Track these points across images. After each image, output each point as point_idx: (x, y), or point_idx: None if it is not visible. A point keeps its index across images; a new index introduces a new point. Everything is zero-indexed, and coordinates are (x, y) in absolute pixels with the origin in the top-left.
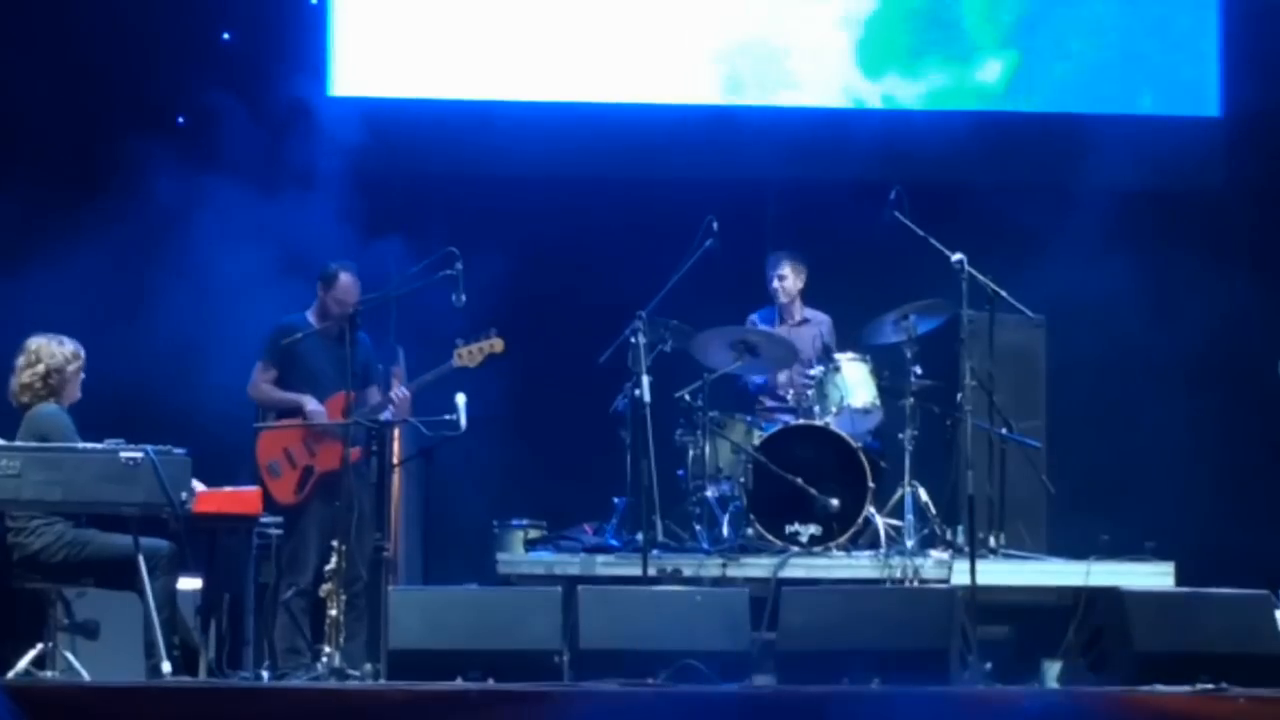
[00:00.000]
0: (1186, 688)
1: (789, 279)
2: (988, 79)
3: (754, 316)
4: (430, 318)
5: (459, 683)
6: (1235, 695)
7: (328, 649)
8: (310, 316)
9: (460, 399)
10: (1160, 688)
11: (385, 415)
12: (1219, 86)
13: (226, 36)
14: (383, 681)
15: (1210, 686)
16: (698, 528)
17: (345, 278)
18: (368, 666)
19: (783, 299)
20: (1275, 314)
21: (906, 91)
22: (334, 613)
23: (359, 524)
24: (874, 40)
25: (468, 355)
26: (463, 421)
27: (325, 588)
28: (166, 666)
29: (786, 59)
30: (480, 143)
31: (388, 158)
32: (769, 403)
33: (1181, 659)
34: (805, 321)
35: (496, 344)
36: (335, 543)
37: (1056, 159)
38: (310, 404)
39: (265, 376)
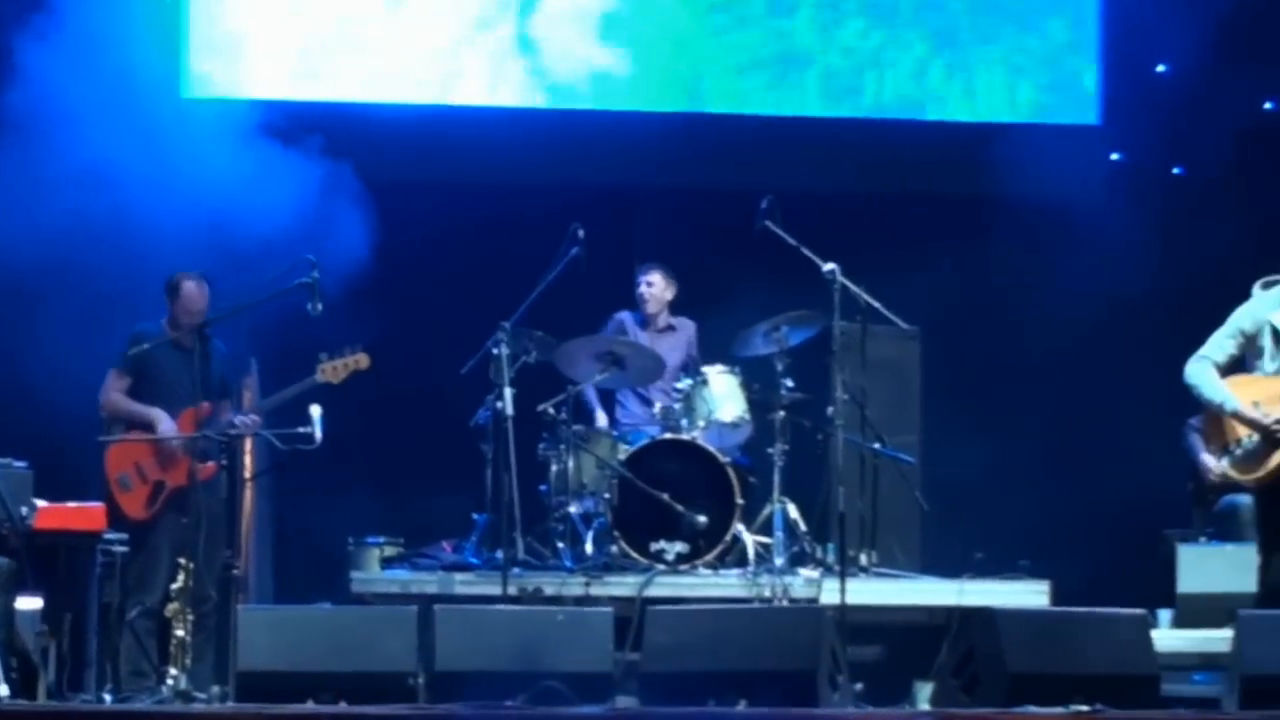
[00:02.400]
0: (1060, 709)
1: (657, 286)
2: (860, 87)
3: (622, 315)
4: (290, 327)
5: (310, 705)
6: (1110, 717)
7: (174, 671)
8: (164, 326)
9: (315, 411)
10: (1033, 709)
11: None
12: (1098, 94)
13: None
14: (230, 704)
15: (1084, 708)
16: (560, 545)
17: (189, 285)
18: (215, 689)
19: (650, 307)
20: (1150, 325)
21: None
22: (180, 633)
23: (209, 541)
24: (741, 44)
25: (331, 371)
26: (318, 434)
27: (171, 607)
28: (3, 689)
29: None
30: (338, 147)
31: (243, 161)
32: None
33: (1055, 680)
34: (670, 328)
35: (362, 360)
36: (182, 560)
37: (933, 167)
38: (163, 423)
39: (118, 385)
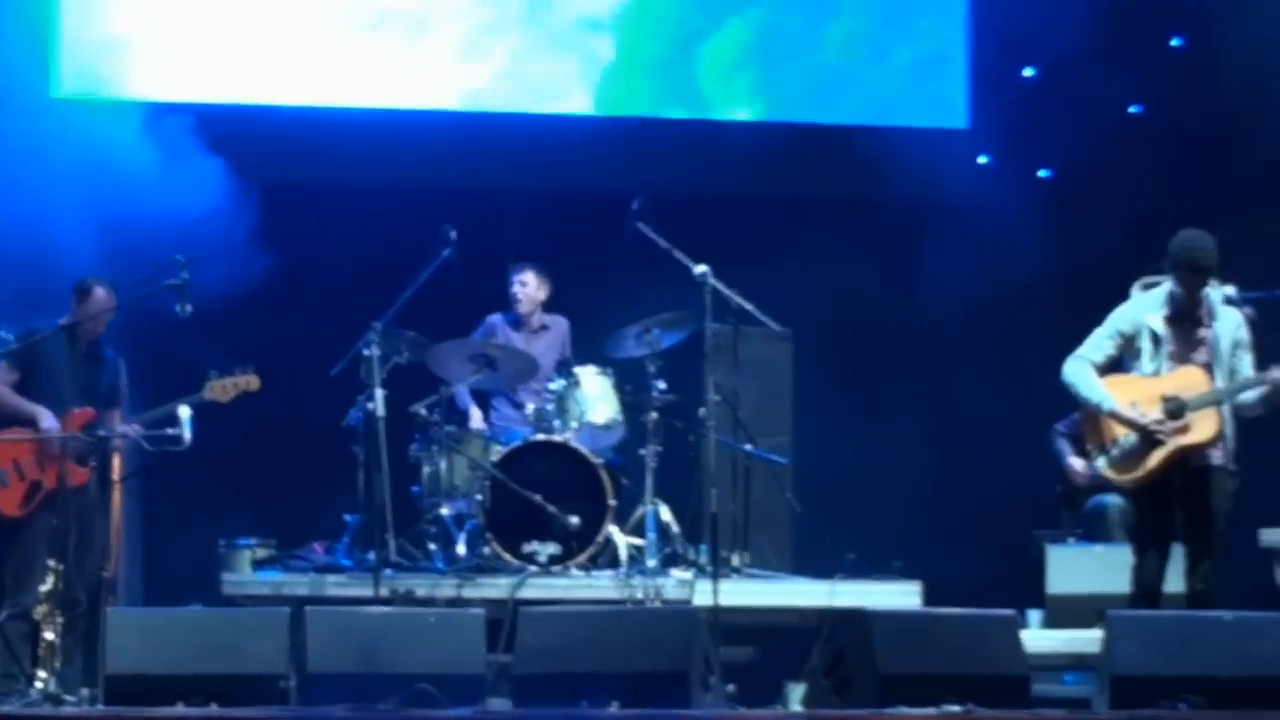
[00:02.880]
0: (931, 710)
1: (530, 286)
2: (733, 89)
3: (494, 318)
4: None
5: (180, 708)
6: (980, 717)
7: (43, 674)
8: (60, 326)
9: (184, 412)
10: (904, 710)
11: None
12: (966, 98)
13: None
14: (100, 707)
15: (955, 708)
16: (433, 547)
17: (100, 291)
18: (84, 692)
19: (524, 307)
20: (1019, 327)
21: (651, 100)
22: (50, 636)
23: (81, 544)
24: (614, 46)
25: (220, 389)
26: (187, 436)
27: (40, 610)
28: None
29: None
30: (210, 148)
31: (115, 161)
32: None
33: (926, 680)
34: (544, 328)
35: (252, 381)
36: (52, 563)
37: (803, 170)
38: (45, 420)
39: (6, 378)
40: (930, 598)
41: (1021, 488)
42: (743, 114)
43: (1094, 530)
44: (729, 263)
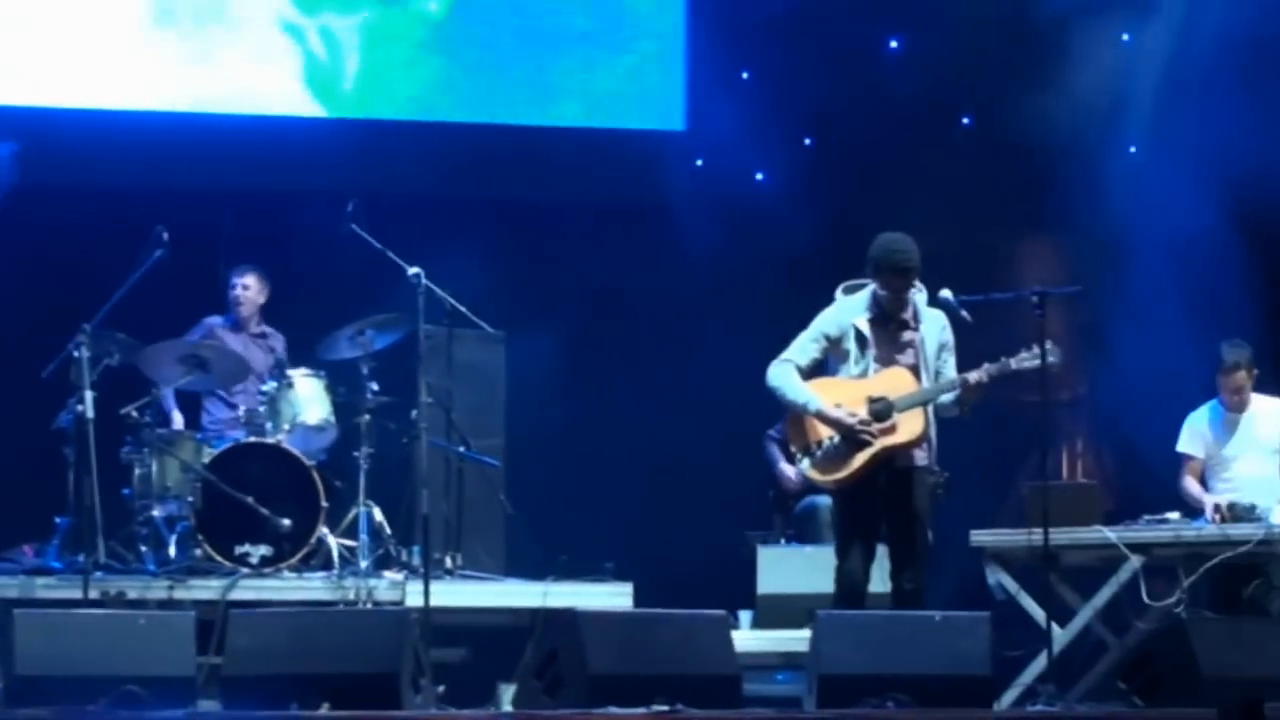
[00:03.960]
0: (641, 710)
1: (252, 289)
2: (449, 90)
3: (211, 320)
4: None
5: None
6: (690, 717)
7: None
8: None
9: None
10: (615, 710)
11: None
12: (683, 100)
13: None
14: None
15: (665, 708)
16: (144, 549)
17: None
18: None
19: (244, 310)
20: (732, 331)
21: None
22: None
23: None
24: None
25: None
26: None
27: None
28: None
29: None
30: None
31: None
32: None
33: (637, 681)
34: (263, 335)
35: None
36: None
37: (519, 171)
38: None
39: None
40: (642, 599)
41: (733, 490)
42: (459, 115)
43: (805, 531)
44: (443, 265)
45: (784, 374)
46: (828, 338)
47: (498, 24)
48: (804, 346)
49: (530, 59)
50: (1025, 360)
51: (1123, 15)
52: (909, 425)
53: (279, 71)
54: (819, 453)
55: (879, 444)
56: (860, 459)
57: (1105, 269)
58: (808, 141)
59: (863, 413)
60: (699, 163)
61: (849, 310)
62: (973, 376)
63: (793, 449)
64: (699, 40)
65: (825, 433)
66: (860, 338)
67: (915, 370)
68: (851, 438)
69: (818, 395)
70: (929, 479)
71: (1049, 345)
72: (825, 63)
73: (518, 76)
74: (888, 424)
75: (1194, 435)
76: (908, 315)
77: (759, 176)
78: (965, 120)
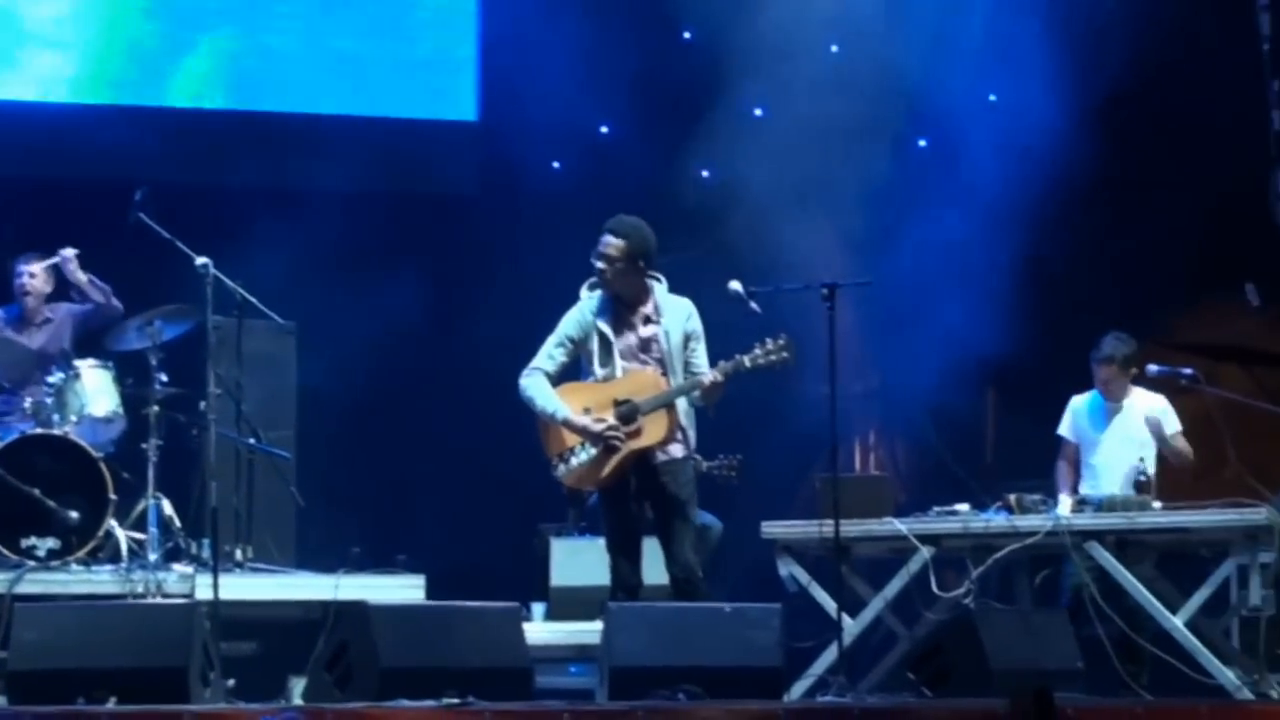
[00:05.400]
0: (432, 702)
1: (39, 278)
2: (238, 78)
3: None
4: None
5: None
6: (480, 709)
7: None
8: None
9: None
10: (405, 703)
11: None
12: (475, 91)
13: None
14: None
15: (456, 701)
16: None
17: None
18: None
19: (31, 301)
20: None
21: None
22: None
23: None
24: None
25: None
26: None
27: None
28: None
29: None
30: None
31: None
32: None
33: (428, 673)
34: (48, 320)
35: None
36: None
37: (311, 161)
38: None
39: None
40: (434, 591)
41: (527, 483)
42: (248, 104)
43: (598, 524)
44: (233, 255)
45: (533, 384)
46: (572, 340)
47: (290, 10)
48: (550, 352)
49: (322, 47)
50: (760, 358)
51: None
52: (654, 427)
53: (63, 59)
54: (572, 460)
55: (626, 448)
56: (610, 464)
57: (893, 260)
58: (604, 130)
59: (610, 417)
60: (490, 154)
61: (591, 309)
62: (706, 377)
63: (548, 456)
64: (492, 30)
65: (575, 440)
66: (603, 337)
67: (662, 364)
68: (602, 443)
69: (566, 402)
70: (687, 468)
71: (782, 342)
72: (620, 50)
73: (309, 64)
74: (634, 427)
75: (1070, 420)
76: (648, 309)
77: (555, 165)
78: (758, 111)
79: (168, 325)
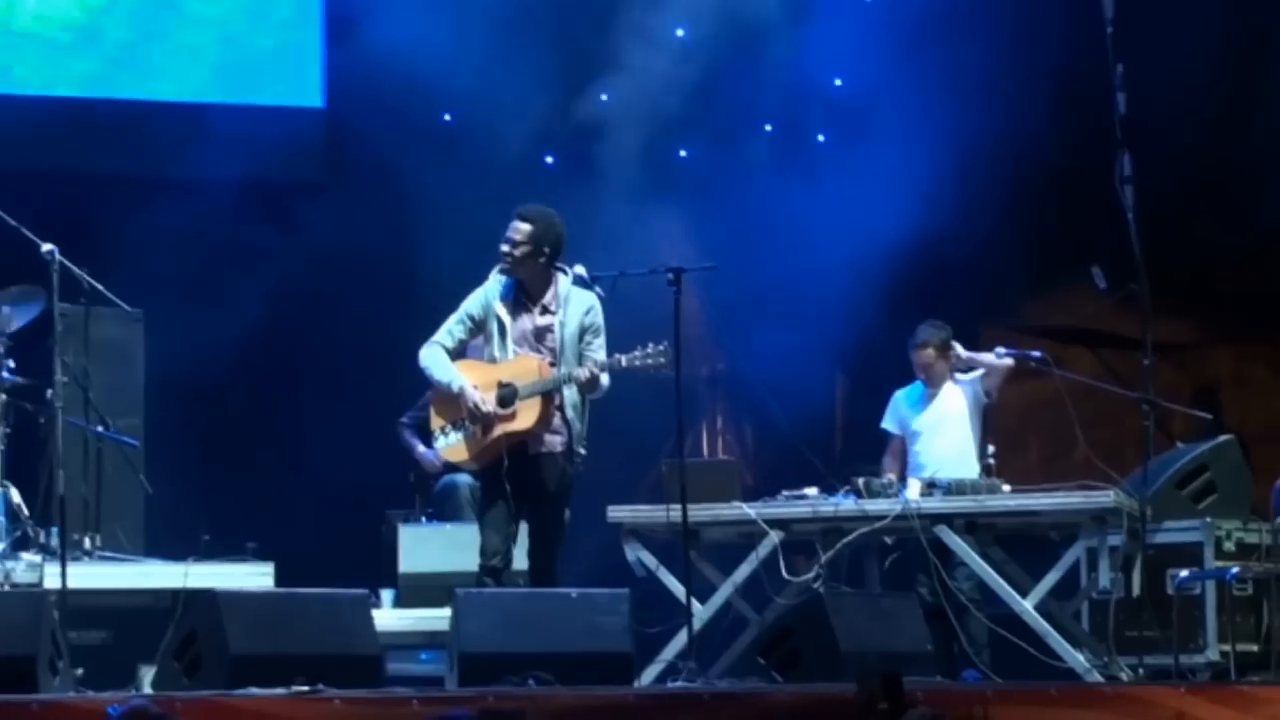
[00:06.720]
0: (282, 690)
1: None
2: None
3: None
4: None
5: None
6: (330, 696)
7: None
8: None
9: None
10: (255, 690)
11: None
12: (321, 77)
13: None
14: None
15: (305, 688)
16: None
17: None
18: None
19: None
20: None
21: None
22: None
23: None
24: None
25: None
26: None
27: None
28: None
29: None
30: None
31: None
32: None
33: (278, 661)
34: None
35: None
36: None
37: (157, 147)
38: None
39: None
40: (284, 578)
41: (374, 471)
42: (94, 90)
43: (445, 510)
44: (79, 242)
45: (431, 355)
46: (472, 319)
47: None
48: (451, 328)
49: (166, 33)
50: (638, 359)
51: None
52: (527, 413)
53: None
54: (452, 434)
55: (498, 430)
56: (484, 444)
57: (742, 246)
58: (447, 117)
59: (491, 398)
60: (336, 141)
61: (493, 291)
62: (579, 372)
63: (434, 426)
64: (337, 14)
65: (460, 414)
66: (500, 321)
67: (555, 354)
68: (479, 421)
69: (462, 375)
70: (562, 463)
71: (662, 348)
72: (464, 37)
73: (153, 50)
74: (509, 411)
75: (892, 413)
76: (548, 299)
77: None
78: (604, 96)
79: (15, 311)
